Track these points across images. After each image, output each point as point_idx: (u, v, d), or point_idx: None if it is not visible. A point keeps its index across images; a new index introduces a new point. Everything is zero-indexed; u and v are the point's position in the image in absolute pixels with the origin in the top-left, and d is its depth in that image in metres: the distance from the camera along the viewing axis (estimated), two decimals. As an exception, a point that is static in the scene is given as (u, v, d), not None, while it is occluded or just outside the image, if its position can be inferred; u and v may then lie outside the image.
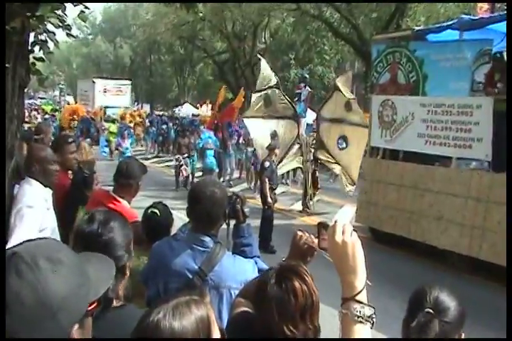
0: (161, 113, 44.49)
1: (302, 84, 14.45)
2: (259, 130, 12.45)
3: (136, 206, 3.87)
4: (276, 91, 12.51)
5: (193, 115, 35.91)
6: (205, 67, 49.90)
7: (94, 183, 4.45)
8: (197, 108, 45.62)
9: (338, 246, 1.56)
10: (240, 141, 17.70)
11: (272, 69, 12.96)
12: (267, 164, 9.84)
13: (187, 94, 51.66)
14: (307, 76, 15.80)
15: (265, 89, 12.35)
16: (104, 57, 59.34)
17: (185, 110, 41.58)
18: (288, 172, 15.78)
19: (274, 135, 12.38)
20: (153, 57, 54.60)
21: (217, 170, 15.88)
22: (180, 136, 17.08)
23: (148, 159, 22.97)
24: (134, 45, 52.86)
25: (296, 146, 12.84)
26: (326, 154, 13.00)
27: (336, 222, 1.61)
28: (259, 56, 14.33)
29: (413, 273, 8.06)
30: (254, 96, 12.39)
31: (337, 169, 13.06)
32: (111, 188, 3.85)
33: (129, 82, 33.72)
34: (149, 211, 3.46)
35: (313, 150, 13.05)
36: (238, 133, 17.90)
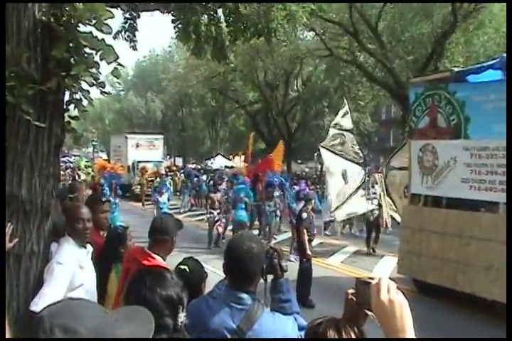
0: (193, 166, 45.31)
1: None
2: (332, 163, 13.33)
3: (171, 262, 3.89)
4: (351, 135, 13.66)
5: (226, 167, 36.55)
6: (237, 118, 50.98)
7: (128, 239, 4.52)
8: (229, 159, 46.45)
9: (384, 306, 1.55)
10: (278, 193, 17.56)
11: (349, 113, 14.18)
12: (304, 215, 9.86)
13: (219, 146, 52.73)
14: None
15: (344, 130, 13.55)
16: (136, 112, 60.83)
17: (218, 162, 42.49)
18: (346, 221, 16.63)
19: (344, 174, 13.17)
20: (184, 110, 56.08)
21: (248, 223, 15.83)
22: (212, 190, 17.40)
23: (181, 213, 23.25)
24: (165, 99, 54.44)
25: (361, 192, 13.42)
26: (390, 200, 13.46)
27: (380, 279, 1.60)
28: (345, 101, 15.09)
29: (461, 326, 7.78)
30: (333, 131, 13.54)
31: (397, 216, 13.34)
32: (146, 245, 3.91)
33: (161, 136, 34.45)
34: (178, 268, 3.44)
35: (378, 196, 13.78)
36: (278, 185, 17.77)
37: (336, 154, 13.37)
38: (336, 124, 13.65)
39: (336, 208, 12.96)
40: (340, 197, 13.03)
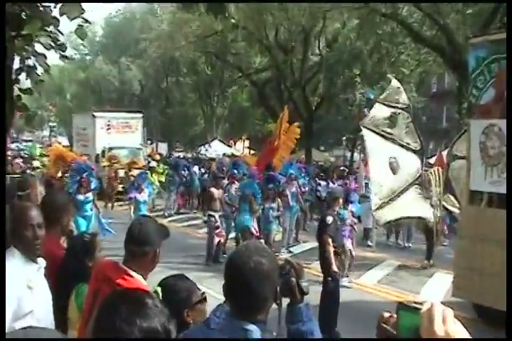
0: (182, 154, 45.25)
1: (366, 110, 14.74)
2: (377, 148, 13.14)
3: (154, 281, 3.89)
4: (405, 115, 13.43)
5: (225, 155, 36.53)
6: (239, 90, 50.90)
7: (97, 250, 4.52)
8: (229, 146, 46.32)
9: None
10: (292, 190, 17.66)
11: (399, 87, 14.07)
12: (329, 219, 9.83)
13: (216, 127, 52.72)
14: (371, 97, 16.14)
15: (395, 107, 13.38)
16: (106, 83, 60.82)
17: (215, 149, 42.38)
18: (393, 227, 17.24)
19: (394, 163, 12.98)
20: (170, 80, 56.19)
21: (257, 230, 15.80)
22: (213, 185, 16.52)
23: (166, 217, 23.33)
24: (144, 66, 54.36)
25: (416, 190, 13.33)
26: (454, 200, 13.29)
27: (432, 304, 1.60)
28: (390, 77, 15.31)
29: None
30: (380, 107, 13.39)
31: None
32: (121, 259, 3.91)
33: (139, 114, 34.39)
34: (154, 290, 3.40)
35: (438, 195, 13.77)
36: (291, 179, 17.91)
37: (383, 137, 13.28)
38: (385, 98, 13.50)
39: (379, 207, 12.85)
40: (385, 191, 12.89)
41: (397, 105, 13.44)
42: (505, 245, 9.62)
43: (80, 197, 14.78)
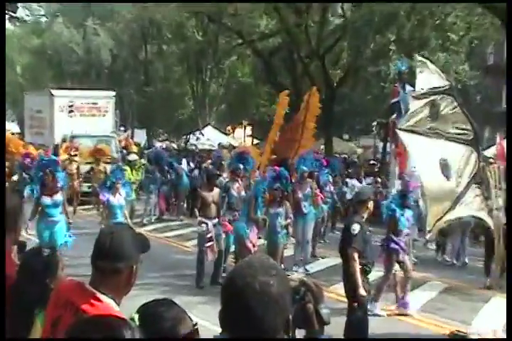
0: (164, 144, 44.64)
1: (399, 85, 14.76)
2: (422, 153, 13.16)
3: (130, 307, 3.87)
4: (449, 99, 13.40)
5: (220, 146, 36.10)
6: (239, 62, 50.71)
7: (59, 268, 4.51)
8: (226, 134, 45.80)
9: None
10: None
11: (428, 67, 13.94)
12: (355, 228, 9.79)
13: (209, 110, 52.45)
14: (403, 69, 15.95)
15: (433, 93, 13.31)
16: (67, 53, 60.21)
17: (208, 138, 42.07)
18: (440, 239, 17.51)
19: (445, 165, 12.92)
20: (150, 49, 55.98)
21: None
22: (207, 184, 16.16)
23: (145, 225, 23.25)
24: (116, 31, 54.14)
25: (473, 189, 13.30)
26: None
27: (495, 332, 1.64)
28: (418, 58, 14.86)
29: None
30: (415, 102, 13.35)
31: None
32: (87, 279, 3.86)
33: (110, 93, 34.25)
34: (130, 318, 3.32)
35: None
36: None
37: (427, 136, 13.20)
38: (421, 94, 13.34)
39: (436, 223, 12.73)
40: (441, 207, 12.72)
41: (435, 90, 13.34)
42: None
43: (46, 200, 14.63)
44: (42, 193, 14.63)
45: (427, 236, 13.97)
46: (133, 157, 28.04)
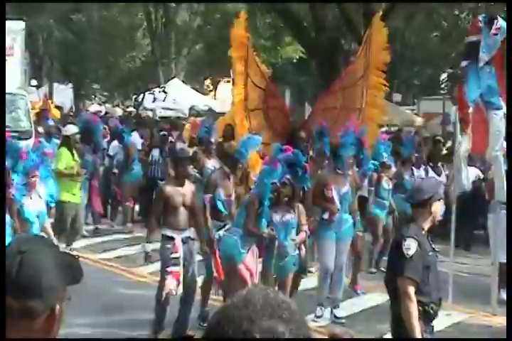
0: (102, 108, 38.40)
1: (482, 19, 13.15)
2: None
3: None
4: None
5: (193, 111, 31.52)
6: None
7: None
8: (202, 93, 38.23)
9: None
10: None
11: None
12: (409, 246, 7.50)
13: (176, 55, 41.19)
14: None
15: None
16: None
17: (174, 98, 34.86)
18: None
19: None
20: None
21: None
22: (172, 178, 12.67)
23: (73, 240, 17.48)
24: None
25: None
26: None
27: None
28: None
29: None
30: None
31: None
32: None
33: (18, 24, 25.86)
34: None
35: None
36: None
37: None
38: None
39: None
40: None
41: None
42: None
43: None
44: None
45: None
46: (72, 129, 17.88)
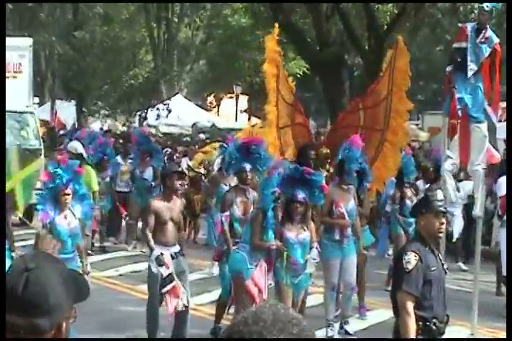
0: (104, 125, 37.64)
1: (469, 26, 13.13)
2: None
3: None
4: None
5: (195, 128, 31.96)
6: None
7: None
8: (207, 109, 38.29)
9: None
10: None
11: None
12: (409, 260, 7.32)
13: (179, 71, 41.12)
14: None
15: None
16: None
17: (178, 115, 35.04)
18: None
19: None
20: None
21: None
22: (161, 193, 12.69)
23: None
24: None
25: None
26: None
27: None
28: None
29: None
30: None
31: None
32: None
33: (27, 40, 25.03)
34: None
35: None
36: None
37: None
38: None
39: None
40: None
41: None
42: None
43: None
44: None
45: None
46: (80, 147, 18.36)
